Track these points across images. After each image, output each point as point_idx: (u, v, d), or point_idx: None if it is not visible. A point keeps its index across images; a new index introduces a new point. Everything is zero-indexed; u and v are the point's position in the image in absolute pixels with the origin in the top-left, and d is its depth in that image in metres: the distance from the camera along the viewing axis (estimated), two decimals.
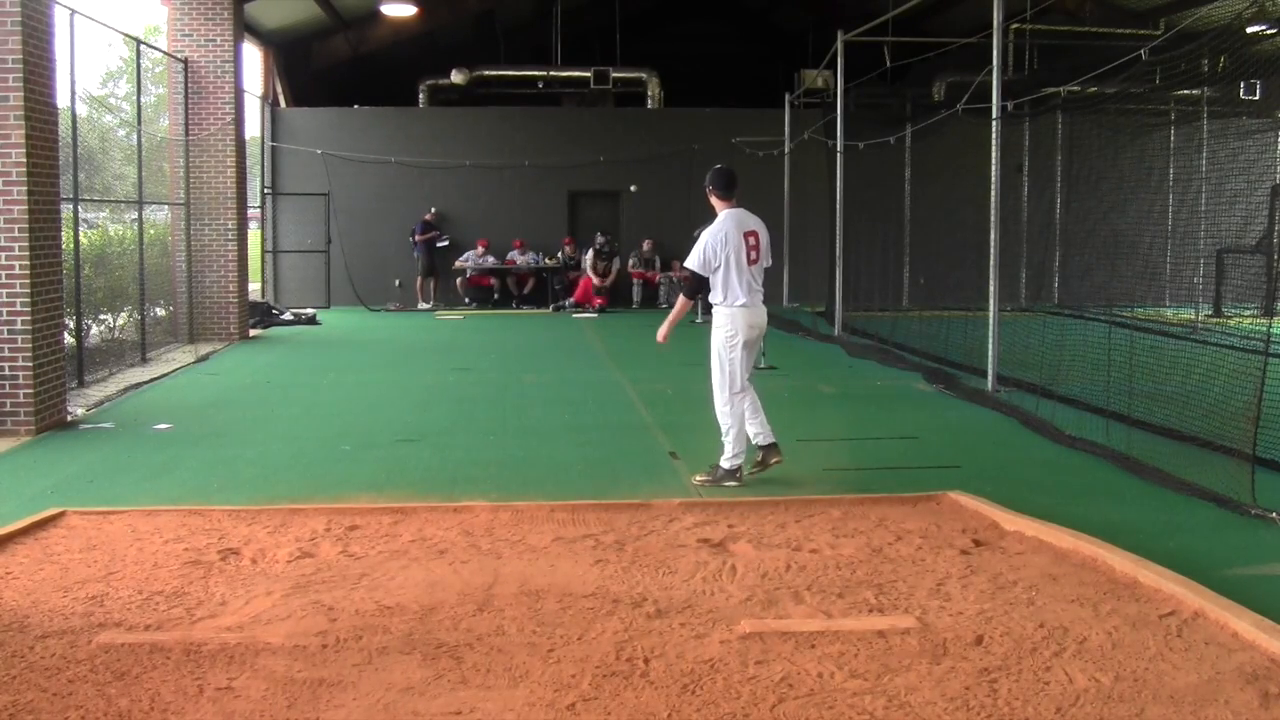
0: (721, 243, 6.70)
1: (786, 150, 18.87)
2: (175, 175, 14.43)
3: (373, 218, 20.11)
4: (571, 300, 19.71)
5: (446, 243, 20.02)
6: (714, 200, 6.90)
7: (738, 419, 6.72)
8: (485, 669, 3.81)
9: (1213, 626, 4.15)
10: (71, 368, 10.14)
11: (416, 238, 19.79)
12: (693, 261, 6.79)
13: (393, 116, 20.58)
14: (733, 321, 6.75)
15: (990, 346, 10.20)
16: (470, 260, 20.05)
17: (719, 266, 6.72)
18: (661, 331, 7.02)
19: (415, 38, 21.09)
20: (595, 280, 19.71)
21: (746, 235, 6.80)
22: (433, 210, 19.89)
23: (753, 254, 6.82)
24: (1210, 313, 13.81)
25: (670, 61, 22.11)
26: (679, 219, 20.54)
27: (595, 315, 18.71)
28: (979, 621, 4.22)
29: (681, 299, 6.93)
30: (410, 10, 19.02)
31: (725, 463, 6.73)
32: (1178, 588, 4.49)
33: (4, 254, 8.31)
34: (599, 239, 19.75)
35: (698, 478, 6.78)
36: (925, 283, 16.72)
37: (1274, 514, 5.81)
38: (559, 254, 20.25)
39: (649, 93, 21.40)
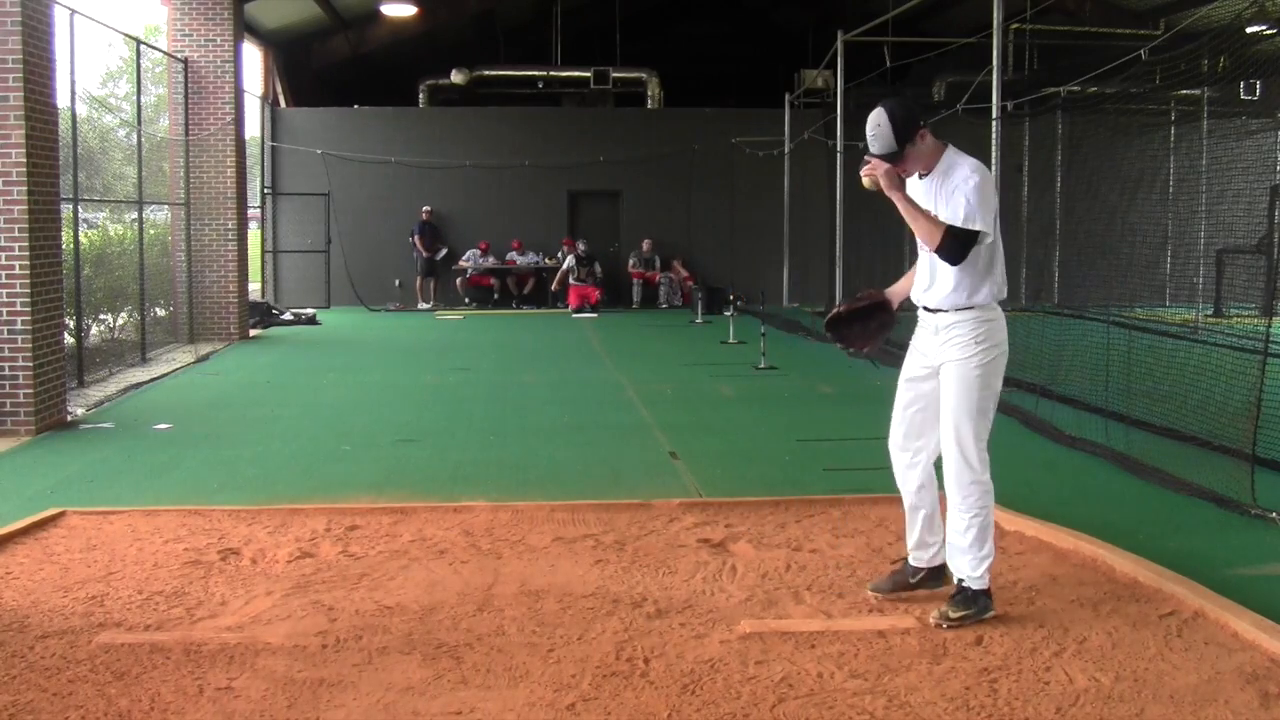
0: (994, 200, 4.27)
1: (786, 150, 18.88)
2: (175, 175, 14.44)
3: (373, 218, 20.12)
4: (571, 306, 19.57)
5: (445, 252, 20.04)
6: (928, 140, 4.30)
7: (991, 497, 4.28)
8: (485, 669, 3.81)
9: (1213, 626, 4.15)
10: (71, 368, 10.13)
11: (416, 239, 19.77)
12: (982, 219, 4.15)
13: (393, 116, 20.59)
14: (995, 330, 4.29)
15: None
16: (471, 260, 20.06)
17: (991, 239, 4.24)
18: (884, 171, 4.26)
19: (415, 38, 21.10)
20: (578, 286, 19.59)
21: None
22: (427, 209, 19.84)
23: None
24: (1210, 313, 13.81)
25: (670, 61, 22.13)
26: (679, 219, 20.60)
27: (594, 315, 18.71)
28: (979, 622, 4.21)
29: (940, 232, 4.15)
30: (410, 10, 19.03)
31: (975, 580, 4.25)
32: (1178, 588, 4.49)
33: (4, 254, 8.31)
34: (580, 247, 19.65)
35: (933, 617, 4.22)
36: None
37: (1274, 514, 5.81)
38: (559, 254, 20.25)
39: (649, 93, 21.41)
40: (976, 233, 4.14)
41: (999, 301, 4.31)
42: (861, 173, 4.33)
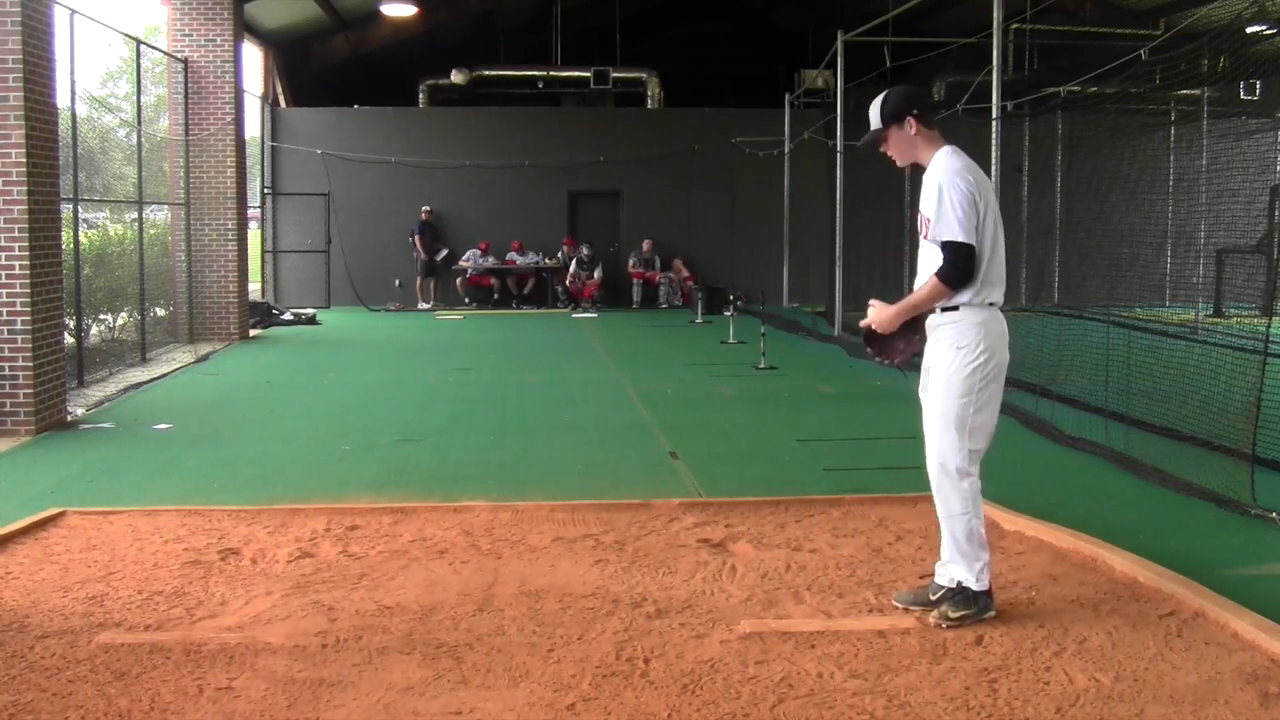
0: (978, 193, 4.16)
1: (786, 150, 18.88)
2: (175, 175, 14.44)
3: (373, 218, 20.12)
4: (565, 291, 19.94)
5: (445, 252, 20.08)
6: (920, 134, 4.32)
7: (971, 503, 4.25)
8: (485, 669, 3.81)
9: (1213, 626, 4.15)
10: (71, 368, 10.14)
11: (416, 240, 19.77)
12: (953, 228, 4.10)
13: (393, 116, 20.60)
14: (984, 334, 4.17)
15: None
16: (471, 260, 20.06)
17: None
18: (887, 316, 4.30)
19: (415, 38, 21.11)
20: (576, 283, 19.84)
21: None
22: (426, 209, 19.85)
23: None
24: (1210, 313, 13.80)
25: (670, 61, 22.14)
26: (679, 219, 20.61)
27: (595, 315, 18.74)
28: (979, 621, 4.21)
29: (933, 284, 4.16)
30: (410, 10, 19.03)
31: (974, 582, 4.23)
32: (1178, 588, 4.49)
33: (4, 254, 8.31)
34: (583, 250, 19.88)
35: (932, 618, 4.23)
36: None
37: (1274, 514, 5.81)
38: (559, 254, 20.27)
39: (649, 93, 21.42)
40: (960, 244, 4.10)
41: (992, 303, 4.20)
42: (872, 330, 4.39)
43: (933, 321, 4.26)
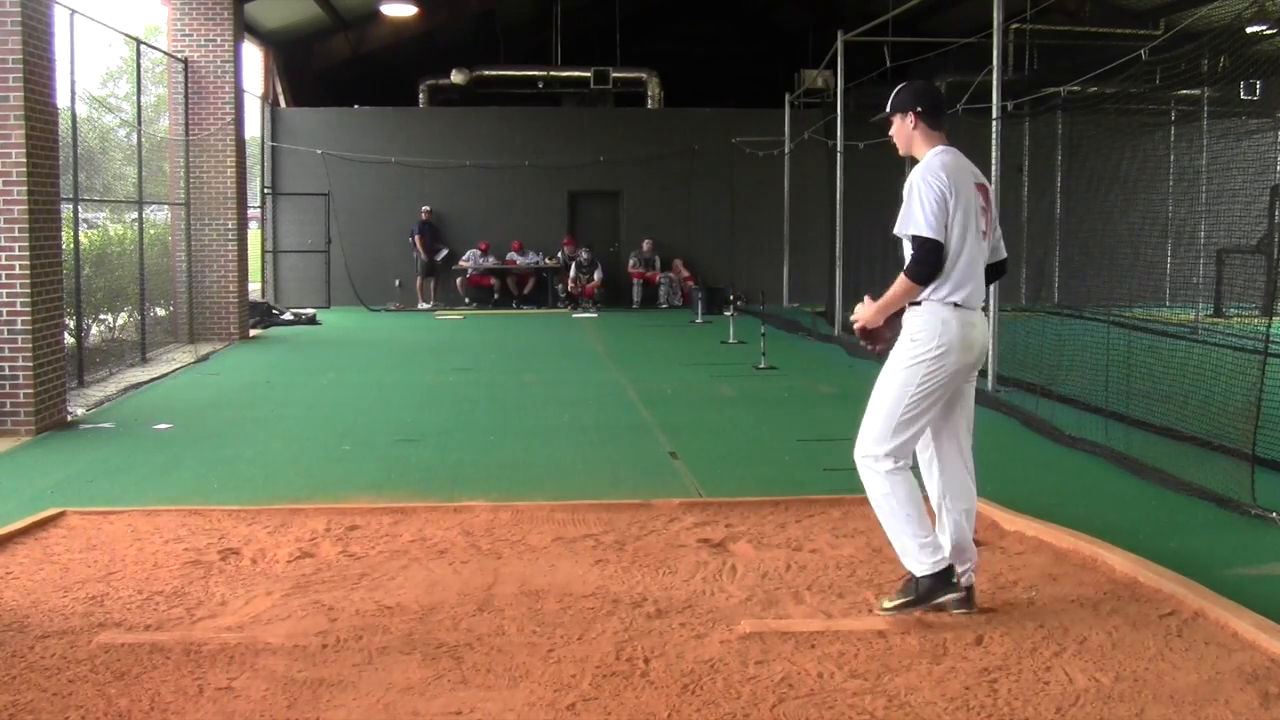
0: (950, 192, 4.19)
1: (786, 150, 18.88)
2: (175, 175, 14.44)
3: (373, 218, 20.13)
4: (566, 293, 20.06)
5: (445, 252, 20.09)
6: (919, 130, 4.38)
7: (890, 485, 4.29)
8: (485, 669, 3.81)
9: (1213, 626, 4.15)
10: (71, 368, 10.14)
11: (416, 240, 19.78)
12: (918, 222, 4.15)
13: (393, 116, 20.60)
14: (941, 331, 4.19)
15: (990, 346, 10.18)
16: (471, 260, 20.07)
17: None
18: (869, 315, 4.37)
19: (415, 38, 21.12)
20: (576, 287, 19.95)
21: (977, 188, 4.31)
22: (426, 209, 19.86)
23: (983, 222, 4.31)
24: (1210, 313, 13.80)
25: (670, 61, 22.14)
26: (679, 219, 20.62)
27: (595, 315, 18.75)
28: (979, 621, 4.22)
29: (901, 280, 4.22)
30: (410, 10, 19.04)
31: (925, 567, 4.20)
32: (1178, 588, 4.49)
33: (4, 254, 8.31)
34: (583, 254, 19.97)
35: (885, 605, 4.28)
36: None
37: (1274, 514, 5.81)
38: (559, 254, 20.28)
39: (649, 93, 21.43)
40: (926, 239, 4.15)
41: (957, 304, 4.20)
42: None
43: (904, 314, 4.35)
